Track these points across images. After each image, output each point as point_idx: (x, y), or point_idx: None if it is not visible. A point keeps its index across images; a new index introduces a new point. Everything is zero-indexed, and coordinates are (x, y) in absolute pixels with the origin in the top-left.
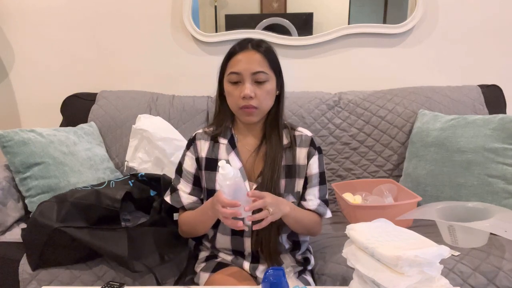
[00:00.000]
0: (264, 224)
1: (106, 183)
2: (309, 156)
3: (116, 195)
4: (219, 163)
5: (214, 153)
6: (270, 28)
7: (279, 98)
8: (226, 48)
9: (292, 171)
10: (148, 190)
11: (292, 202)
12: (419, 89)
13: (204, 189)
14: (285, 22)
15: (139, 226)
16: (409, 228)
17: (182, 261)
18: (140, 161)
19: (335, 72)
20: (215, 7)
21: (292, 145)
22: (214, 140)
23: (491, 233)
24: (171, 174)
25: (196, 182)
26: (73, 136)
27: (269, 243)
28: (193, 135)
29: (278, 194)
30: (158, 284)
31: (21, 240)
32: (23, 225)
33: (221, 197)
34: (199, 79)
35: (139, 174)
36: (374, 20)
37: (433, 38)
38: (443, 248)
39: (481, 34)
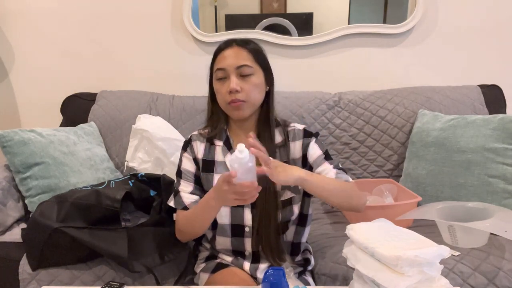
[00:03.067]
0: (270, 171)
1: (106, 183)
2: (305, 147)
3: (116, 195)
4: (237, 146)
5: (210, 155)
6: (270, 28)
7: (269, 95)
8: None
9: None
10: (148, 190)
11: (291, 196)
12: (419, 89)
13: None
14: (285, 22)
15: (139, 226)
16: (409, 228)
17: (182, 261)
18: (140, 161)
19: (335, 72)
20: (215, 7)
21: (286, 141)
22: (210, 142)
23: (491, 233)
24: (171, 174)
25: (197, 181)
26: (73, 136)
27: (269, 241)
28: (189, 137)
29: (274, 191)
30: (158, 284)
31: (21, 240)
32: (23, 225)
33: (231, 177)
34: (199, 79)
35: (139, 174)
36: (374, 20)
37: (433, 38)
38: (443, 248)
39: (481, 34)
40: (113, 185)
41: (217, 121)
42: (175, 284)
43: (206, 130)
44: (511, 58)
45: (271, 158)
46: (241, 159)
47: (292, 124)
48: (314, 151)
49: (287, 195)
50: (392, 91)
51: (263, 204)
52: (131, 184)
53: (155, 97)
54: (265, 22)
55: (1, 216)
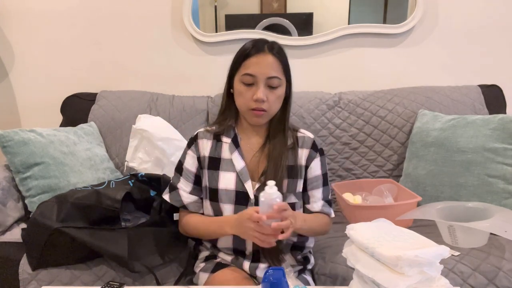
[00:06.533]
0: (288, 234)
1: (106, 183)
2: (309, 159)
3: (116, 195)
4: (268, 183)
5: (217, 152)
6: (270, 28)
7: (286, 100)
8: (226, 48)
9: (294, 171)
10: (148, 190)
11: (294, 202)
12: (419, 89)
13: (206, 188)
14: (285, 22)
15: (139, 226)
16: (409, 228)
17: (182, 261)
18: (140, 161)
19: (335, 72)
20: (215, 7)
21: (295, 145)
22: (217, 139)
23: (491, 233)
24: (171, 174)
25: (197, 181)
26: (73, 136)
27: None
28: (195, 133)
29: (281, 194)
30: (158, 284)
31: (21, 240)
32: (23, 225)
33: (256, 214)
34: (199, 79)
35: (139, 174)
36: (374, 20)
37: (433, 38)
38: (443, 248)
39: (481, 34)
40: (113, 185)
41: (227, 118)
42: (175, 284)
43: (213, 127)
44: (511, 58)
45: (286, 206)
46: (269, 194)
47: (302, 131)
48: (315, 169)
49: (291, 199)
50: (392, 91)
51: None
52: (131, 184)
53: (155, 97)
54: (265, 22)
55: (1, 216)
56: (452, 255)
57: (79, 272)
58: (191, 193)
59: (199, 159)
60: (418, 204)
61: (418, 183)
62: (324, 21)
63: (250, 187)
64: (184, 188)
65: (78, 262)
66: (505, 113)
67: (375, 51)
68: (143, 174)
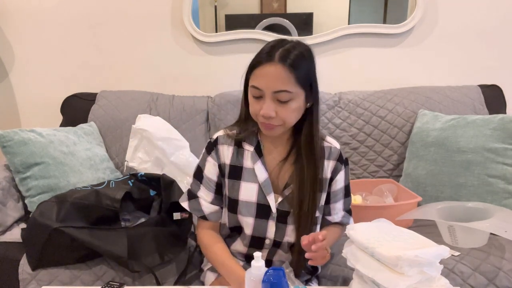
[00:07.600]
0: (323, 262)
1: (106, 183)
2: (335, 171)
3: (116, 195)
4: (255, 255)
5: (238, 161)
6: (270, 28)
7: (311, 110)
8: (226, 48)
9: (319, 185)
10: (147, 190)
11: (317, 216)
12: (419, 89)
13: (225, 197)
14: (285, 22)
15: (139, 226)
16: (409, 228)
17: (182, 261)
18: (140, 161)
19: (335, 72)
20: (215, 7)
21: (321, 157)
22: (238, 145)
23: (491, 233)
24: (171, 174)
25: (218, 190)
26: (73, 136)
27: (300, 255)
28: (215, 138)
29: (313, 209)
30: (158, 284)
31: (21, 240)
32: (23, 225)
33: None
34: (199, 79)
35: (139, 174)
36: (374, 20)
37: (433, 38)
38: (443, 248)
39: (481, 34)
40: (113, 185)
41: (248, 123)
42: (175, 284)
43: (234, 131)
44: (511, 58)
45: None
46: (256, 268)
47: (328, 139)
48: (339, 182)
49: (317, 213)
50: (392, 91)
51: (306, 220)
52: (131, 184)
53: (155, 97)
54: (265, 22)
55: (1, 216)
56: (452, 255)
57: (79, 272)
58: (212, 202)
59: (220, 166)
60: (418, 204)
61: (418, 183)
62: (324, 21)
63: (272, 200)
64: (205, 197)
65: (78, 262)
66: (505, 113)
67: (375, 51)
68: (143, 174)
